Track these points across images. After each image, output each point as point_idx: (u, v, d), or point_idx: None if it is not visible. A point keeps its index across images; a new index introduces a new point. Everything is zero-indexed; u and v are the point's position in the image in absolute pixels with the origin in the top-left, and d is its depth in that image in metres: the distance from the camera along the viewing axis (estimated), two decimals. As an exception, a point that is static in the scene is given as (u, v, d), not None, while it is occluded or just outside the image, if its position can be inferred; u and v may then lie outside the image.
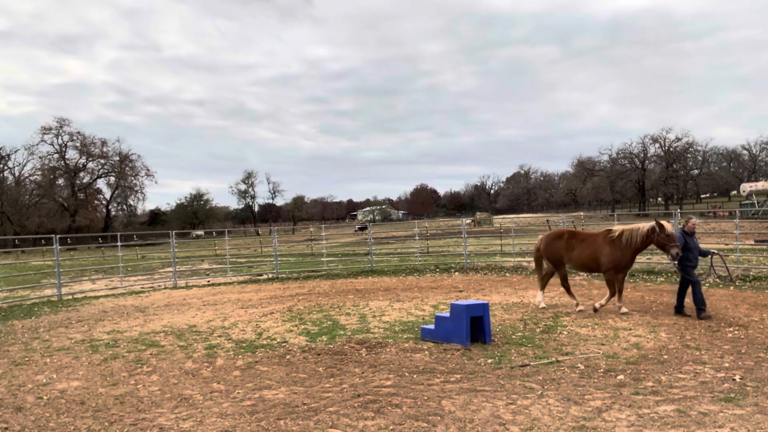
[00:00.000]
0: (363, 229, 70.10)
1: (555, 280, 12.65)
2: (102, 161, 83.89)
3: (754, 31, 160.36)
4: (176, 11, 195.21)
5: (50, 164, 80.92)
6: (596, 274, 12.96)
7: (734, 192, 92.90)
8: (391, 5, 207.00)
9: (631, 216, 71.48)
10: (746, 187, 72.38)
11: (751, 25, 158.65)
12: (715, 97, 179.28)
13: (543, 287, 11.92)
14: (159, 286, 20.11)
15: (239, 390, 6.85)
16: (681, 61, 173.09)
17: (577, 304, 11.30)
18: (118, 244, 21.95)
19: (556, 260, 11.56)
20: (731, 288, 13.93)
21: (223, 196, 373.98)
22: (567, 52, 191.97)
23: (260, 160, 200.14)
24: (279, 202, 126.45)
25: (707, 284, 14.71)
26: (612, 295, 10.81)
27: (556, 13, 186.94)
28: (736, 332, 8.91)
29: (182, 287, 19.27)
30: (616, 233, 10.74)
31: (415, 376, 7.13)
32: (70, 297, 17.65)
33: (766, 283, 14.53)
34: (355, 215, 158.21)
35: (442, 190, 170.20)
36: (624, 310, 10.68)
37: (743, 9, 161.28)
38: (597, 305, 10.90)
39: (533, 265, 20.53)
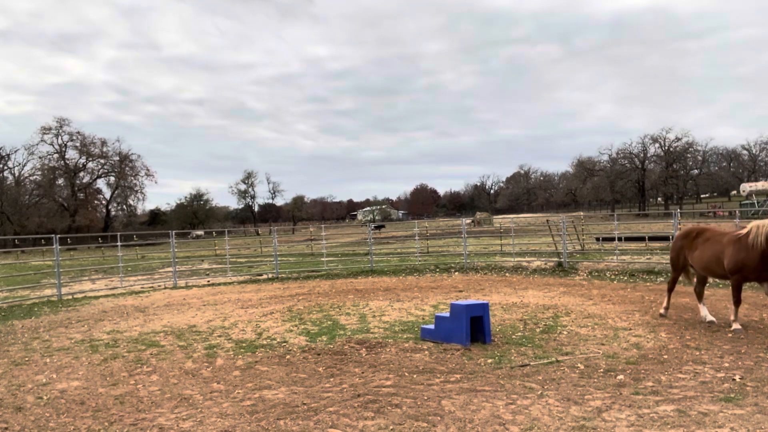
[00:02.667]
0: (379, 228, 70.06)
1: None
2: (102, 161, 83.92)
3: (755, 30, 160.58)
4: (175, 10, 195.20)
5: (50, 164, 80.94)
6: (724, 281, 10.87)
7: (734, 192, 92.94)
8: (392, 4, 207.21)
9: (631, 216, 71.47)
10: (746, 187, 72.41)
11: (753, 24, 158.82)
12: (716, 96, 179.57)
13: (700, 298, 10.26)
14: (159, 286, 20.12)
15: (239, 390, 6.85)
16: (682, 61, 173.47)
17: (705, 317, 9.79)
18: (118, 244, 21.95)
19: (679, 262, 10.30)
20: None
21: (223, 196, 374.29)
22: (568, 51, 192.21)
23: (260, 160, 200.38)
24: (279, 202, 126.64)
25: (708, 284, 14.68)
26: (737, 304, 9.18)
27: (556, 12, 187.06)
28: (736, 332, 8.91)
29: (182, 287, 19.26)
30: (744, 230, 9.11)
31: (415, 376, 7.13)
32: (70, 297, 17.65)
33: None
34: (355, 215, 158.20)
35: (442, 190, 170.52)
36: (736, 326, 9.02)
37: (745, 8, 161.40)
38: (731, 320, 9.29)
39: (533, 265, 20.65)
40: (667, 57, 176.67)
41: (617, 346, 8.29)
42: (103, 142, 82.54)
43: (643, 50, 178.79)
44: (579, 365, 7.33)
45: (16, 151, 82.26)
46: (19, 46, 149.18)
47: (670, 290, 10.70)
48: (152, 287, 19.74)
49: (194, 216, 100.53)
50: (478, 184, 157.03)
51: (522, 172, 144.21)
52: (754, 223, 9.05)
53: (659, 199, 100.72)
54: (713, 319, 9.81)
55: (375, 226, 71.28)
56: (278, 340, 9.61)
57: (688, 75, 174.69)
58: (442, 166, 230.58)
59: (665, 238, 26.21)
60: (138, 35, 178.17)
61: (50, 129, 78.97)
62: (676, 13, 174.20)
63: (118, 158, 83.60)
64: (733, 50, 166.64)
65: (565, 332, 9.34)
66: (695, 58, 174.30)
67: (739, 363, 7.20)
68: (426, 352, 8.32)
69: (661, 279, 15.87)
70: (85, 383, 7.47)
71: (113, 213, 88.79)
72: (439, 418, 5.61)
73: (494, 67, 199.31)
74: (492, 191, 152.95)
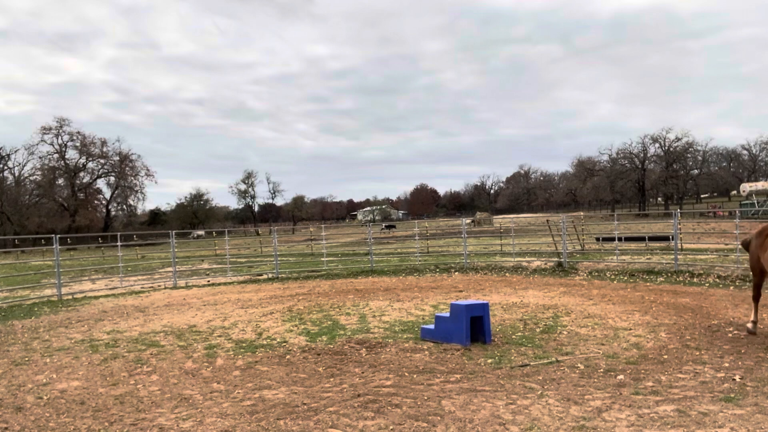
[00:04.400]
0: (390, 227, 69.95)
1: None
2: (102, 161, 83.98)
3: (757, 29, 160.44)
4: (175, 9, 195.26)
5: (50, 164, 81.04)
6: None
7: (734, 192, 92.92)
8: (392, 3, 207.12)
9: (631, 216, 71.49)
10: (746, 187, 72.39)
11: (754, 24, 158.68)
12: (716, 96, 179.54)
13: None
14: (159, 286, 20.11)
15: (239, 390, 6.85)
16: (684, 60, 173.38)
17: (754, 323, 8.73)
18: (118, 244, 21.95)
19: (754, 265, 9.12)
20: (731, 288, 13.93)
21: (223, 196, 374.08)
22: (568, 50, 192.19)
23: (260, 159, 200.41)
24: (279, 202, 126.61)
25: (707, 284, 14.71)
26: None
27: (557, 11, 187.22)
28: (736, 332, 8.91)
29: (182, 287, 19.27)
30: None
31: (415, 376, 7.13)
32: (70, 297, 17.64)
33: (766, 282, 14.52)
34: (355, 215, 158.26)
35: (442, 190, 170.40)
36: None
37: (746, 7, 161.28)
38: None
39: (533, 265, 20.65)
40: (667, 56, 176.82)
41: (617, 346, 8.29)
42: (103, 142, 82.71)
43: (643, 49, 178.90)
44: (579, 365, 7.33)
45: (16, 151, 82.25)
46: (18, 45, 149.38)
47: (756, 298, 9.11)
48: (152, 287, 19.73)
49: (194, 216, 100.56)
50: (478, 184, 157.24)
51: (522, 172, 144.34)
52: None
53: (659, 199, 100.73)
54: None
55: (386, 225, 70.84)
56: (278, 340, 9.61)
57: (689, 74, 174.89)
58: (442, 166, 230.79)
59: (665, 238, 26.25)
60: (137, 34, 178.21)
61: (50, 129, 79.16)
62: (677, 12, 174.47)
63: (118, 158, 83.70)
64: (734, 50, 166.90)
65: (565, 332, 9.34)
66: (696, 58, 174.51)
67: (739, 363, 7.19)
68: (426, 352, 8.32)
69: (662, 279, 15.88)
70: (85, 383, 7.47)
71: (113, 213, 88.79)
72: (439, 418, 5.61)
73: (494, 66, 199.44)
74: (492, 191, 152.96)
